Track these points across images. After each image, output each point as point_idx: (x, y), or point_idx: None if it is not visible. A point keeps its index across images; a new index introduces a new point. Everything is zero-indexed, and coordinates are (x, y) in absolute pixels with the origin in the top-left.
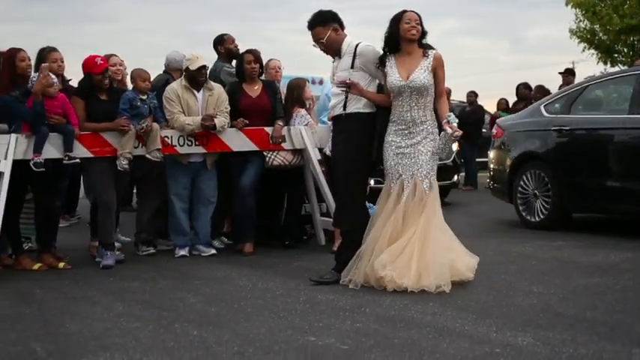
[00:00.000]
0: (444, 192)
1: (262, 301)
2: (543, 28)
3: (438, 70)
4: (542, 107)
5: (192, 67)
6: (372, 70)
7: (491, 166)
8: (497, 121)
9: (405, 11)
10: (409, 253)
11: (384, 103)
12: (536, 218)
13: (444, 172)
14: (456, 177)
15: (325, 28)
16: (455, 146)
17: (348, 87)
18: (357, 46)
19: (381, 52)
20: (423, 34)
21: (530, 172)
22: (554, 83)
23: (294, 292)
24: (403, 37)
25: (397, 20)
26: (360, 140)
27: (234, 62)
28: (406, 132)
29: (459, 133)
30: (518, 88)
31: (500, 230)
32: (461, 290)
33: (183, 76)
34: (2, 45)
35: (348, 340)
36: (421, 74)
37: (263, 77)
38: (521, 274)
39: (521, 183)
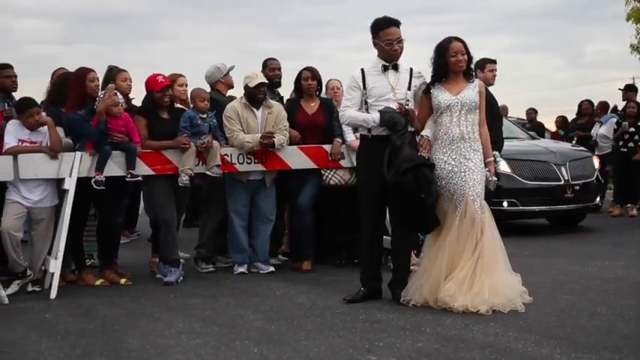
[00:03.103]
0: (580, 216)
1: (322, 319)
2: (601, 43)
3: (480, 97)
4: None
5: (251, 85)
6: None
7: None
8: None
9: (450, 41)
10: (479, 283)
11: (417, 129)
12: None
13: (584, 192)
14: (598, 199)
15: None
16: (596, 162)
17: (406, 113)
18: (411, 68)
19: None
20: (470, 60)
21: None
22: (613, 99)
23: (353, 311)
24: (451, 69)
25: (443, 51)
26: None
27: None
28: (453, 147)
29: (495, 180)
30: (581, 104)
31: (563, 249)
32: (523, 310)
33: (243, 94)
34: (68, 65)
35: None
36: (470, 91)
37: (323, 95)
38: (585, 294)
39: None
